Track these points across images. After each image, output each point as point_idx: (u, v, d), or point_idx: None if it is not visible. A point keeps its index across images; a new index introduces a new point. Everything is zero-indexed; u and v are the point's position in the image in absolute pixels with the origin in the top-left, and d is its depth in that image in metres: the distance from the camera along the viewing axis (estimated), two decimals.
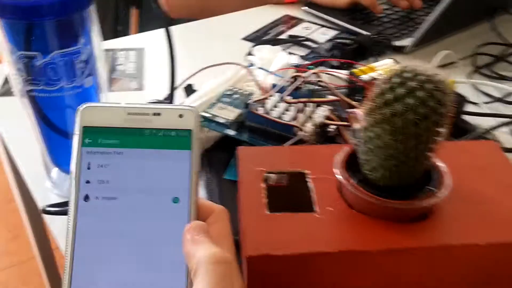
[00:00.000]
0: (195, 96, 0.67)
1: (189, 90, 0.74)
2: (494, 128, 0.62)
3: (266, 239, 0.40)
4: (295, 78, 0.58)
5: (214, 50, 0.91)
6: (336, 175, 0.43)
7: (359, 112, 0.44)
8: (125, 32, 1.48)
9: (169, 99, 0.59)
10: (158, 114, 0.35)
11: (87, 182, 0.34)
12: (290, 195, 0.49)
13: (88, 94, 0.53)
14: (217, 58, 0.74)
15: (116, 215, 0.34)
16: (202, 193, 0.59)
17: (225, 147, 0.62)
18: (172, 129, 0.35)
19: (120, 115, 0.35)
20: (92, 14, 0.53)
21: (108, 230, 0.34)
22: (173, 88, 0.59)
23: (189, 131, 0.35)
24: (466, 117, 0.70)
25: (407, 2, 1.00)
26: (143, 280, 0.33)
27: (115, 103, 0.36)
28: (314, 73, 0.57)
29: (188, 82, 0.74)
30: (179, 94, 0.73)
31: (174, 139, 0.35)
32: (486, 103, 0.78)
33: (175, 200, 0.34)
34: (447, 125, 0.40)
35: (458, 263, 0.41)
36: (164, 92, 0.71)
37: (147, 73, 0.86)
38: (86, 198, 0.34)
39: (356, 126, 0.43)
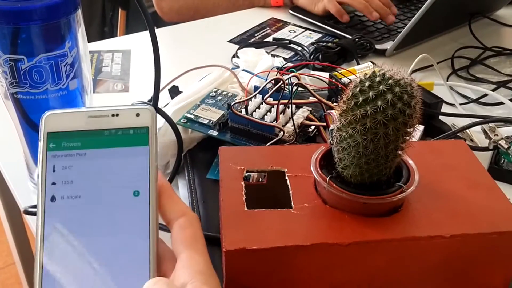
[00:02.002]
0: (180, 98, 0.69)
1: (174, 91, 0.76)
2: (468, 127, 0.64)
3: (243, 234, 0.42)
4: (276, 80, 0.61)
5: (200, 52, 0.93)
6: (312, 173, 0.45)
7: (335, 113, 0.47)
8: (112, 34, 1.50)
9: (154, 101, 0.61)
10: (117, 115, 0.38)
11: (53, 183, 0.37)
12: (268, 192, 0.51)
13: (72, 96, 0.55)
14: (203, 60, 0.76)
15: (81, 212, 0.36)
16: (185, 192, 0.61)
17: (208, 147, 0.64)
18: (130, 128, 0.37)
19: (81, 119, 0.37)
20: (79, 18, 0.54)
21: (74, 226, 0.36)
22: (157, 90, 0.61)
23: (146, 128, 0.37)
24: (443, 118, 0.73)
25: (378, 15, 1.01)
26: (109, 270, 0.35)
27: (76, 109, 0.38)
28: (294, 75, 0.60)
29: (173, 83, 0.76)
30: (164, 95, 0.75)
31: (133, 137, 0.37)
32: (462, 104, 0.81)
33: (136, 193, 0.36)
34: (415, 125, 0.42)
35: (425, 255, 0.44)
36: (149, 94, 0.72)
37: (133, 75, 0.87)
38: (53, 199, 0.36)
39: (332, 126, 0.45)
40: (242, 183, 0.47)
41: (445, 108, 0.75)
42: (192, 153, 0.65)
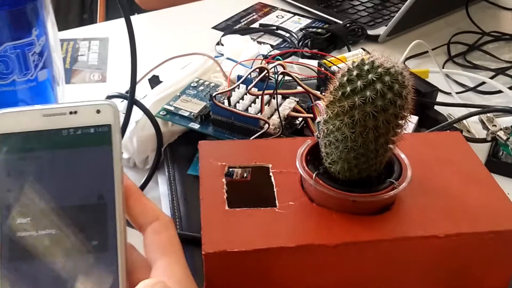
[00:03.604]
0: (159, 88, 0.65)
1: (154, 81, 0.72)
2: (464, 118, 0.61)
3: (224, 236, 0.39)
4: (261, 69, 0.57)
5: (183, 39, 0.89)
6: (298, 169, 0.42)
7: (322, 104, 0.43)
8: (91, 21, 1.44)
9: (130, 92, 0.58)
10: (75, 112, 0.34)
11: (8, 190, 0.33)
12: (252, 190, 0.47)
13: (42, 88, 0.52)
14: (186, 48, 0.72)
15: (39, 220, 0.33)
16: (164, 189, 0.57)
17: (190, 141, 0.60)
18: (90, 126, 0.34)
19: (36, 118, 0.34)
20: (47, 4, 0.51)
21: (32, 236, 0.33)
22: (134, 82, 0.57)
23: (108, 126, 0.34)
24: (438, 108, 0.70)
25: None
26: (73, 283, 0.32)
27: (30, 106, 0.34)
28: (280, 64, 0.56)
29: (154, 73, 0.72)
30: (144, 85, 0.71)
31: (94, 136, 0.34)
32: (459, 92, 0.78)
33: (100, 198, 0.33)
34: (407, 117, 0.39)
35: (419, 255, 0.40)
36: (128, 84, 0.69)
37: (111, 64, 0.83)
38: (8, 207, 0.33)
39: (319, 118, 0.42)
40: (224, 180, 0.44)
41: (440, 97, 0.72)
42: (173, 147, 0.61)
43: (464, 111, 0.72)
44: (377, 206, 0.41)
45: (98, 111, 0.34)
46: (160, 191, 0.59)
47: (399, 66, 0.38)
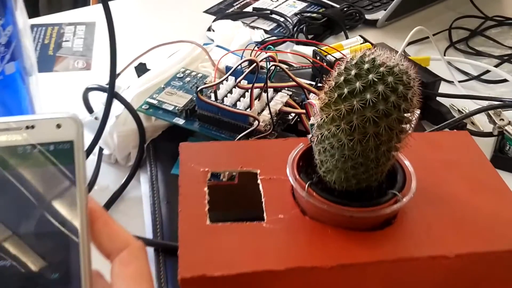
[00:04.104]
0: (143, 79, 0.60)
1: (141, 69, 0.68)
2: (472, 115, 0.56)
3: (204, 257, 0.34)
4: (251, 61, 0.52)
5: (173, 24, 0.84)
6: (289, 177, 0.38)
7: (315, 103, 0.39)
8: (85, 2, 1.38)
9: (110, 84, 0.53)
10: (32, 126, 0.29)
11: None
12: (236, 200, 0.43)
13: (10, 82, 0.47)
14: (176, 33, 0.68)
15: None
16: (146, 189, 0.53)
17: (174, 137, 0.56)
18: (50, 143, 0.29)
19: None
20: None
21: None
22: (114, 73, 0.52)
23: (70, 142, 0.29)
24: (441, 99, 0.66)
25: None
26: None
27: None
28: (270, 56, 0.51)
29: (141, 60, 0.67)
30: (131, 74, 0.67)
31: (53, 153, 0.29)
32: (462, 81, 0.74)
33: (61, 223, 0.29)
34: (412, 121, 0.34)
35: (425, 277, 0.36)
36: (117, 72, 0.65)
37: (97, 51, 0.78)
38: None
39: (312, 120, 0.37)
40: (205, 189, 0.39)
41: (442, 87, 0.68)
42: (156, 144, 0.57)
43: (469, 102, 0.68)
44: (377, 221, 0.36)
45: (58, 126, 0.29)
46: (142, 191, 0.55)
47: (404, 64, 0.33)
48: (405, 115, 0.34)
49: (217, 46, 0.67)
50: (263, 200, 0.38)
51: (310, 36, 0.80)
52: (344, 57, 0.33)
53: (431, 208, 0.38)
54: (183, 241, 0.35)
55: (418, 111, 0.34)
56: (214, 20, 0.81)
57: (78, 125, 0.29)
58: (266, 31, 0.82)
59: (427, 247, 0.35)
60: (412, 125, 0.34)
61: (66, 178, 0.29)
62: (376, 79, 0.32)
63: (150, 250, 0.47)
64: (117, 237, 0.30)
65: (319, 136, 0.35)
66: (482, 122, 0.65)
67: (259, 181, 0.40)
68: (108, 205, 0.54)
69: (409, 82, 0.33)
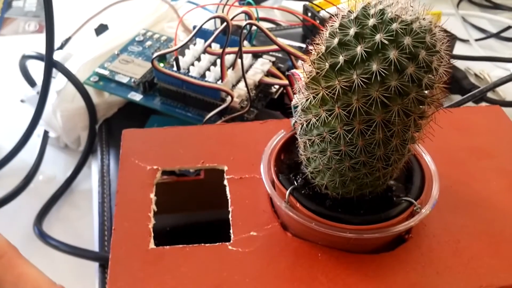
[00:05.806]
0: (97, 43, 0.49)
1: (102, 32, 0.56)
2: (500, 84, 0.45)
3: None
4: (222, 19, 0.41)
5: None
6: (263, 180, 0.27)
7: (301, 74, 0.29)
8: None
9: (47, 51, 0.42)
10: None
11: None
12: (202, 198, 0.33)
13: None
14: None
15: None
16: (96, 183, 0.43)
17: (133, 115, 0.45)
18: None
19: None
20: None
21: None
22: (51, 36, 0.42)
23: None
24: (455, 62, 0.55)
25: None
26: None
27: None
28: (245, 12, 0.40)
29: (101, 21, 0.56)
30: (89, 35, 0.56)
31: None
32: (478, 40, 0.63)
33: None
34: (438, 101, 0.24)
35: None
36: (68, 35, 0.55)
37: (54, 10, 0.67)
38: None
39: (295, 100, 0.27)
40: (152, 196, 0.29)
41: (457, 47, 0.57)
42: (111, 125, 0.46)
43: (488, 64, 0.57)
44: (385, 241, 0.26)
45: None
46: (92, 184, 0.45)
47: (426, 18, 0.22)
48: (428, 92, 0.23)
49: (188, 1, 0.56)
50: (230, 209, 0.28)
51: None
52: (340, 11, 0.23)
53: (457, 216, 0.28)
54: (114, 274, 0.25)
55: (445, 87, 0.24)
56: None
57: None
58: None
59: (455, 275, 0.25)
60: (438, 107, 0.24)
61: None
62: (386, 41, 0.21)
63: (95, 265, 0.37)
64: (24, 283, 0.21)
65: (304, 124, 0.25)
66: (504, 89, 0.54)
67: (225, 182, 0.30)
68: (55, 199, 0.45)
69: (434, 45, 0.22)
